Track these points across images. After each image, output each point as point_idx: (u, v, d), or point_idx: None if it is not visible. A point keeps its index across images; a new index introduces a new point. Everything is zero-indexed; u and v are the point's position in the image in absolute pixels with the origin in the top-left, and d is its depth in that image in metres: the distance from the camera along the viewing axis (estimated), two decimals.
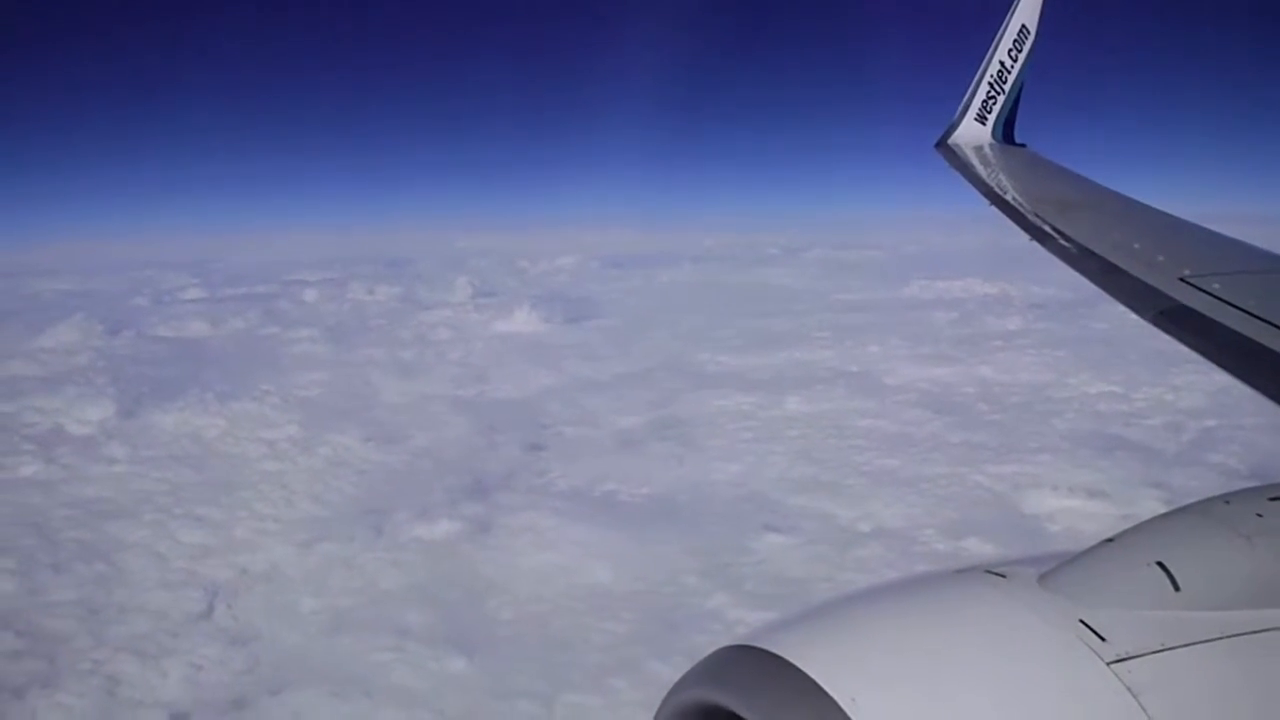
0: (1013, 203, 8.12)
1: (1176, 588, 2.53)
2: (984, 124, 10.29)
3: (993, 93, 10.20)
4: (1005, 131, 10.40)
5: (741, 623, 20.39)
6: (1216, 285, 5.46)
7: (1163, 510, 2.94)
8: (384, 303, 79.12)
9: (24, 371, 50.92)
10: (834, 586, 23.37)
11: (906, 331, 57.12)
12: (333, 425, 38.60)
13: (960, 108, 10.31)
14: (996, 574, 2.63)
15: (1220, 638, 2.46)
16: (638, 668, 19.47)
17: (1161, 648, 2.39)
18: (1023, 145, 10.43)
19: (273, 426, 38.71)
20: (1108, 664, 2.32)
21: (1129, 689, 2.27)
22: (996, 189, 8.63)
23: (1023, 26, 10.11)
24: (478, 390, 46.61)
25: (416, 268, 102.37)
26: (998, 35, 10.14)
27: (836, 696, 2.18)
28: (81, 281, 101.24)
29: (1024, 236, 7.43)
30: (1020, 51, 10.18)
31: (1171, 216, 7.58)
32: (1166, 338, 5.36)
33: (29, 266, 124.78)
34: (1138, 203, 8.08)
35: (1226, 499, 2.91)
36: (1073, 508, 28.38)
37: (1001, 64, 10.18)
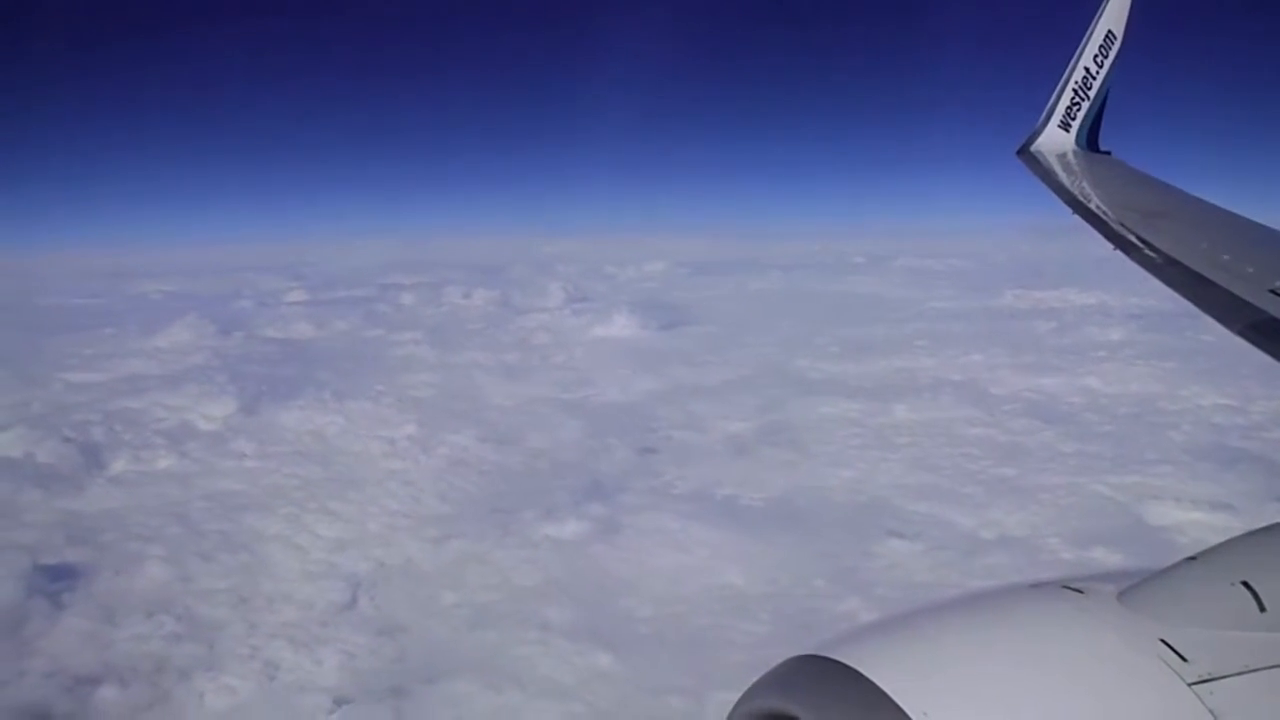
0: (1096, 211, 7.94)
1: (1262, 608, 2.45)
2: (1068, 131, 10.03)
3: (1077, 99, 9.97)
4: (1090, 139, 10.15)
5: None
6: None
7: None
8: (481, 307, 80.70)
9: (145, 370, 52.96)
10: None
11: (1007, 341, 56.67)
12: (448, 425, 39.53)
13: (1044, 114, 10.09)
14: (1074, 589, 2.59)
15: None
16: None
17: (1245, 669, 2.32)
18: (1107, 153, 10.19)
19: (391, 426, 39.75)
20: (1189, 685, 2.26)
21: (1211, 711, 2.22)
22: (1080, 197, 8.45)
23: (1109, 32, 9.88)
24: (583, 394, 47.24)
25: (508, 273, 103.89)
26: (1083, 41, 9.91)
27: (909, 711, 2.17)
28: (184, 283, 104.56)
29: (1109, 246, 7.26)
30: (1106, 57, 9.92)
31: (1262, 226, 7.34)
32: None
33: (130, 269, 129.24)
34: (1226, 212, 7.84)
35: None
36: (1198, 520, 28.04)
37: (1086, 70, 9.93)
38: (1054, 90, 10.08)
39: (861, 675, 2.27)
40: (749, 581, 24.98)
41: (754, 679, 2.50)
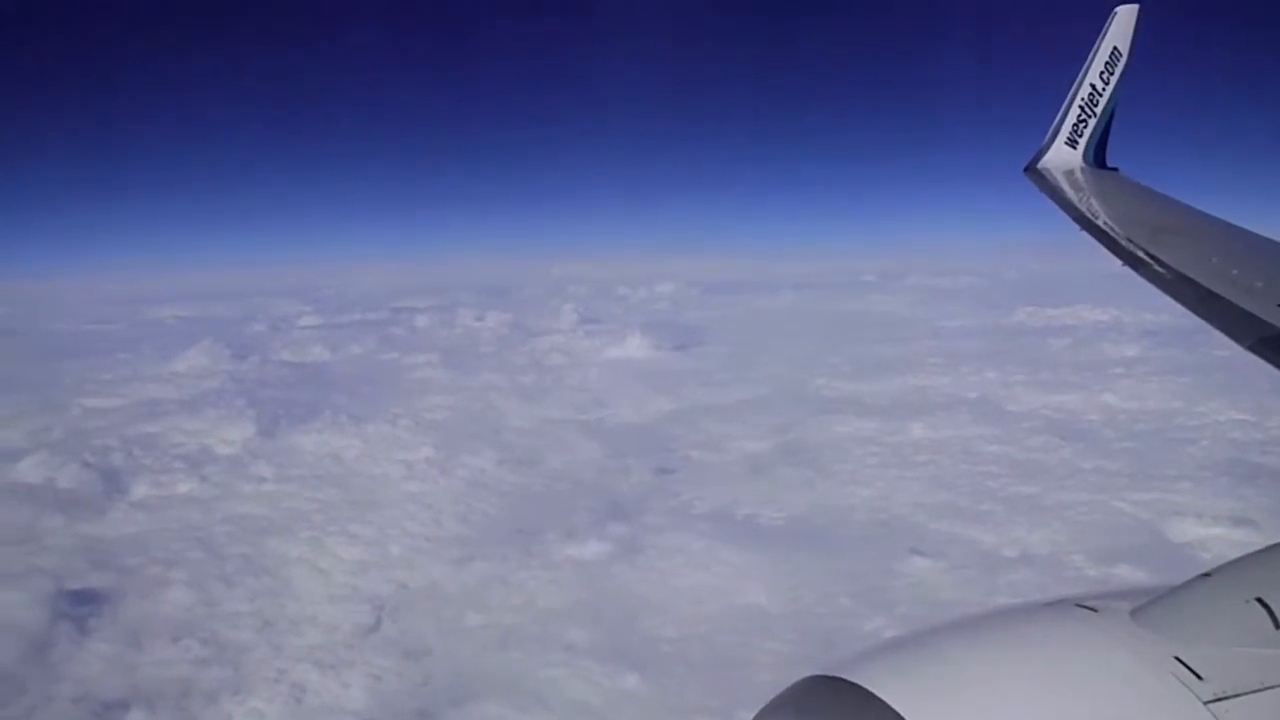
0: (1104, 228, 7.83)
1: (1277, 625, 2.41)
2: (1075, 148, 9.91)
3: (1084, 116, 9.85)
4: (1097, 155, 10.01)
5: None
6: None
7: None
8: (494, 329, 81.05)
9: (163, 394, 53.25)
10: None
11: (1021, 358, 56.74)
12: (466, 448, 39.60)
13: (1050, 131, 9.97)
14: (1087, 607, 2.57)
15: None
16: None
17: (1261, 687, 2.30)
18: (1115, 169, 10.05)
19: (408, 448, 39.84)
20: (1205, 703, 2.24)
21: None
22: (1087, 214, 8.33)
23: (1114, 49, 9.80)
24: (599, 415, 47.43)
25: (519, 295, 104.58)
26: (1089, 58, 9.82)
27: None
28: (198, 308, 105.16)
29: (1117, 262, 7.18)
30: (1112, 74, 9.83)
31: (1270, 241, 7.22)
32: None
33: (145, 294, 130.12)
34: (1235, 227, 7.73)
35: None
36: (1220, 536, 27.96)
37: (1093, 87, 9.84)
38: (1061, 107, 10.05)
39: (874, 696, 2.25)
40: (772, 601, 25.00)
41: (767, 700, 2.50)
